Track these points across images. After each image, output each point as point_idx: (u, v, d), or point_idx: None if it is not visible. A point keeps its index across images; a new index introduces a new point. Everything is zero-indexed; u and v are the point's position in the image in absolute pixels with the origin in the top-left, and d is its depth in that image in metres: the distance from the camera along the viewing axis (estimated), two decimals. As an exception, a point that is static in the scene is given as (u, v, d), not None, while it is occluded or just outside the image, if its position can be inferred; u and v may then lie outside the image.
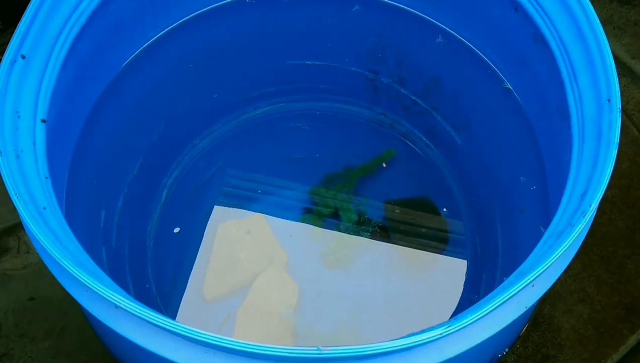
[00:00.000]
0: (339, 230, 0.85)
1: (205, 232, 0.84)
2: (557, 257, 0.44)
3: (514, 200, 0.77)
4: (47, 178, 0.51)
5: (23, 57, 0.53)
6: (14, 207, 0.47)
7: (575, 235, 0.45)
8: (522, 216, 0.74)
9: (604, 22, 0.97)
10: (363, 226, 0.85)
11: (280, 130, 0.92)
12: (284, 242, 0.84)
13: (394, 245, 0.85)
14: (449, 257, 0.85)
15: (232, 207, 0.87)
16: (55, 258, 0.43)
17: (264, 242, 0.84)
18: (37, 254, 0.64)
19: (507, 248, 0.79)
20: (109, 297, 0.43)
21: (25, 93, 0.54)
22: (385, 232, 0.85)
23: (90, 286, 0.43)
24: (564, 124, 0.59)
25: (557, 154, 0.62)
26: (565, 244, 0.44)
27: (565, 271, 0.78)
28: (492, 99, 0.77)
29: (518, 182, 0.75)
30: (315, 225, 0.86)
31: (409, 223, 0.87)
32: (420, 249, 0.85)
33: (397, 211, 0.87)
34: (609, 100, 0.53)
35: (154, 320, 0.42)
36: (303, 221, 0.86)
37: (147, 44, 0.76)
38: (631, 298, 0.83)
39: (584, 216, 0.45)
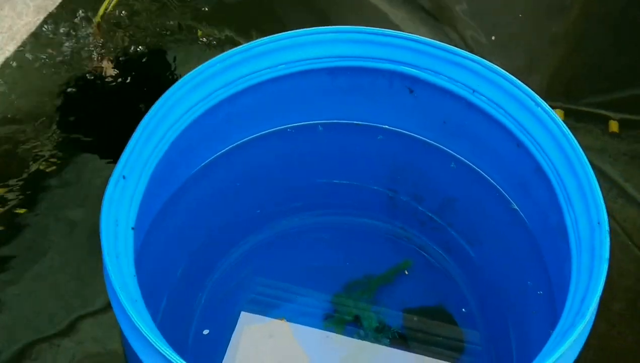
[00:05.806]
0: (360, 337, 0.87)
1: (232, 336, 0.87)
2: (563, 351, 0.52)
3: (524, 304, 0.80)
4: (134, 276, 0.61)
5: (124, 177, 0.65)
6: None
7: (578, 333, 0.54)
8: (532, 320, 0.78)
9: (600, 152, 1.09)
10: (383, 333, 0.87)
11: (306, 241, 0.97)
12: (306, 347, 0.86)
13: (413, 353, 0.86)
14: (466, 367, 0.87)
15: (258, 312, 0.89)
16: (151, 342, 0.52)
17: (287, 346, 0.86)
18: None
19: (521, 353, 0.81)
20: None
21: (122, 205, 0.64)
22: (404, 339, 0.87)
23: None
24: (564, 241, 0.68)
25: (559, 264, 0.69)
26: (569, 340, 0.53)
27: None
28: (501, 217, 0.83)
29: (526, 287, 0.79)
30: (337, 331, 0.88)
31: (426, 332, 0.89)
32: (438, 358, 0.86)
33: (415, 319, 0.89)
34: (599, 223, 0.63)
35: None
36: (325, 327, 0.88)
37: (202, 164, 0.84)
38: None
39: (583, 317, 0.55)
